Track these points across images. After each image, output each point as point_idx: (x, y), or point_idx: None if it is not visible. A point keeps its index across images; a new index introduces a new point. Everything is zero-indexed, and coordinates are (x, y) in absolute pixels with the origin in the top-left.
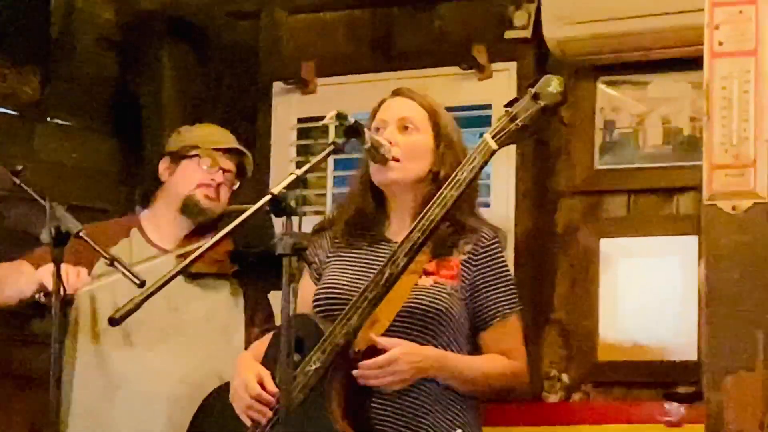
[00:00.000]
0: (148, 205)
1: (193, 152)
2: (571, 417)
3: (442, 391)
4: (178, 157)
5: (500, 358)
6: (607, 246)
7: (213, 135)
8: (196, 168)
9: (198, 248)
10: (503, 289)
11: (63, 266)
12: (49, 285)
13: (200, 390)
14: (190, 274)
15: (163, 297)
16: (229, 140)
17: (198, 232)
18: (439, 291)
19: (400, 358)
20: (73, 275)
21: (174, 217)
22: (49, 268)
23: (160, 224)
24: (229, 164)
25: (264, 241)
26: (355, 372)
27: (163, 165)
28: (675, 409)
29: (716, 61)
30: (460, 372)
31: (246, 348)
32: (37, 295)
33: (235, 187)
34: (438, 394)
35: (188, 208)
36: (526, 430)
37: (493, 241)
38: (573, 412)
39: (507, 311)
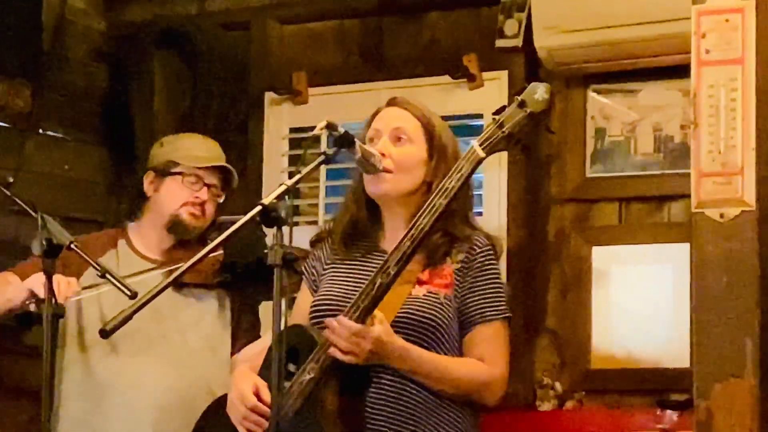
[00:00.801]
0: (135, 218)
1: (177, 169)
2: (564, 425)
3: (438, 398)
4: (162, 173)
5: (474, 362)
6: (599, 254)
7: (197, 149)
8: (181, 186)
9: (190, 260)
10: (489, 294)
11: (54, 276)
12: (39, 292)
13: (186, 399)
14: (176, 283)
15: (149, 307)
16: (214, 154)
17: (184, 242)
18: (432, 300)
19: (369, 337)
20: (64, 284)
21: (160, 232)
22: (39, 276)
23: (147, 237)
24: (214, 179)
25: (255, 252)
26: (327, 320)
27: (148, 180)
28: (668, 416)
29: (703, 69)
30: (422, 368)
31: (231, 357)
32: (27, 302)
33: (221, 200)
34: (434, 401)
35: (174, 226)
36: None
37: (485, 248)
38: (566, 420)
39: (489, 317)
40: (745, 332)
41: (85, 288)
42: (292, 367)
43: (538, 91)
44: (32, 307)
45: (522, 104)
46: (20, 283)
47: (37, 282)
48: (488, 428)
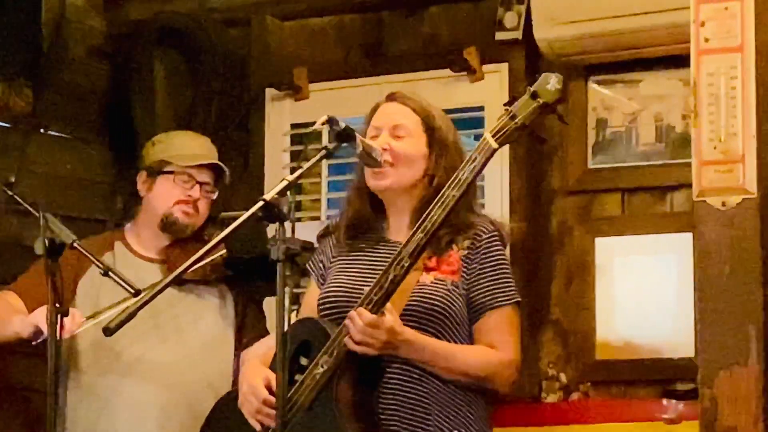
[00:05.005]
0: (131, 218)
1: (168, 169)
2: (570, 416)
3: (450, 390)
4: (154, 173)
5: (484, 349)
6: (602, 245)
7: (188, 148)
8: (173, 185)
9: (190, 258)
10: (497, 281)
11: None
12: (44, 329)
13: (189, 396)
14: (177, 281)
15: (150, 305)
16: (205, 152)
17: (181, 240)
18: (440, 287)
19: (383, 328)
20: (69, 318)
21: (155, 231)
22: (43, 311)
23: (143, 236)
24: (206, 177)
25: (257, 247)
26: (351, 313)
27: (141, 180)
28: (673, 406)
29: (703, 58)
30: (432, 356)
31: (235, 353)
32: (33, 342)
33: (214, 196)
34: (445, 393)
35: (168, 225)
36: (525, 430)
37: (491, 234)
38: (572, 412)
39: (499, 303)
40: (749, 320)
41: (88, 318)
42: (304, 361)
43: (551, 81)
44: (37, 342)
45: (534, 95)
46: (26, 318)
47: (41, 317)
48: (495, 420)
